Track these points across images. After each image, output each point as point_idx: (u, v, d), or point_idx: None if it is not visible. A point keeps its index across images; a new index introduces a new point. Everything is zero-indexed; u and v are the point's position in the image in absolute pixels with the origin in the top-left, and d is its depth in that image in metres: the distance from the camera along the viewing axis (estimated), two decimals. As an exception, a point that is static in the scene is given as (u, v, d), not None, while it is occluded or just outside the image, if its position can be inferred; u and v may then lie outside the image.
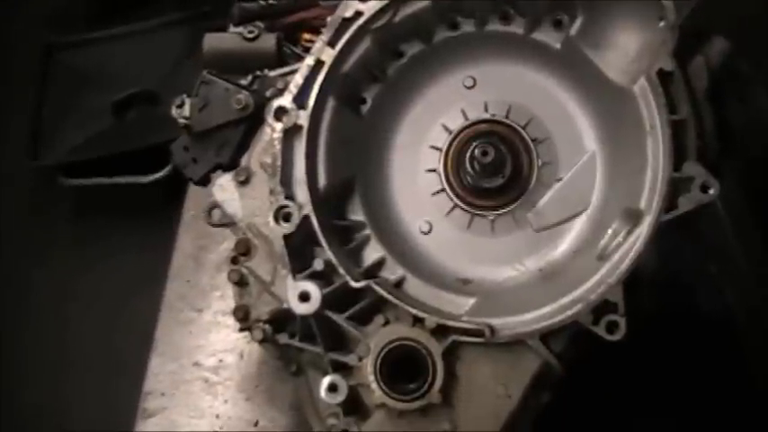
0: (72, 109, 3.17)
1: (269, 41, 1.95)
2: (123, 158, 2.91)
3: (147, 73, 3.20)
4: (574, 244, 1.48)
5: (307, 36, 2.08)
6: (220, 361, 1.92)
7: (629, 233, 1.35)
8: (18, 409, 2.67)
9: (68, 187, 3.00)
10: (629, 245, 1.33)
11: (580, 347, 1.36)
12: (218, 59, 1.94)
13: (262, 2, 2.24)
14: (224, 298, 1.96)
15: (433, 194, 1.55)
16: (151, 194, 2.86)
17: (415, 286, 1.46)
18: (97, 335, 2.70)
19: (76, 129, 3.10)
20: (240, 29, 2.01)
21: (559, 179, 1.51)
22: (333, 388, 1.34)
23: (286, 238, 1.38)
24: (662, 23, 1.36)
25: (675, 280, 1.48)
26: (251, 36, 1.94)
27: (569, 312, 1.31)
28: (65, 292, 2.85)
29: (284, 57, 1.98)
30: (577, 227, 1.49)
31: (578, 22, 1.45)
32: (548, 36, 1.51)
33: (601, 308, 1.31)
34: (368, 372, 1.33)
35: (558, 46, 1.50)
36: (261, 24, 2.05)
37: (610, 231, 1.39)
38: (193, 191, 2.10)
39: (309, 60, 1.45)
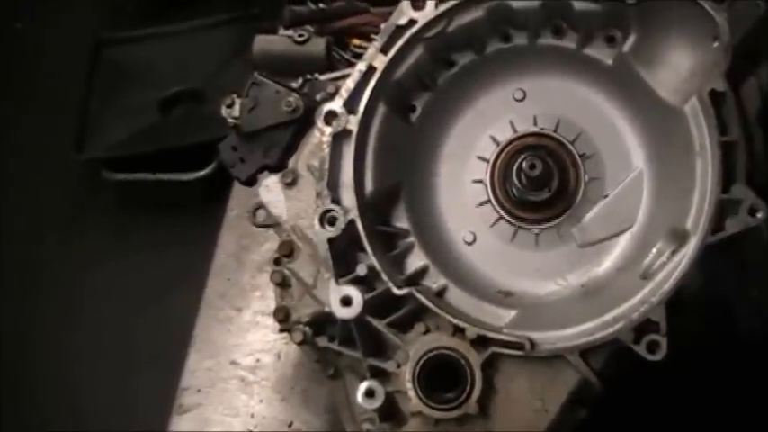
0: (118, 105, 3.21)
1: (319, 45, 1.98)
2: (167, 155, 2.94)
3: (194, 71, 3.23)
4: (618, 261, 1.48)
5: (356, 42, 2.10)
6: (257, 360, 1.94)
7: (674, 253, 1.34)
8: (54, 403, 2.70)
9: (112, 181, 3.03)
10: (673, 265, 1.33)
11: (620, 365, 1.36)
12: (268, 61, 1.97)
13: (312, 5, 2.26)
14: (264, 298, 1.97)
15: (479, 205, 1.56)
16: (194, 192, 2.89)
17: (456, 296, 1.46)
18: (137, 329, 2.72)
19: (122, 124, 3.14)
20: (290, 32, 2.04)
21: (606, 196, 1.51)
22: (370, 393, 1.35)
23: (330, 241, 1.39)
24: (716, 43, 1.36)
25: (718, 301, 1.46)
26: (301, 39, 1.98)
27: (610, 330, 1.31)
28: (106, 286, 2.89)
29: (333, 61, 2.01)
30: (622, 244, 1.49)
31: (631, 40, 1.46)
32: (600, 52, 1.51)
33: (642, 327, 1.30)
34: (406, 379, 1.34)
35: (609, 62, 1.50)
36: (311, 28, 2.08)
37: (654, 250, 1.39)
38: (238, 190, 2.12)
39: (361, 66, 1.46)
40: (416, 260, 1.49)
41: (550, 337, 1.35)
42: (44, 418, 2.67)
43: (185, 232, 2.79)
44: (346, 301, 1.35)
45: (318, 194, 1.43)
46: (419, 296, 1.37)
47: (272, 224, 1.59)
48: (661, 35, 1.43)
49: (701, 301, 1.40)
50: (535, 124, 1.56)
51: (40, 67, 3.52)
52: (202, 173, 2.89)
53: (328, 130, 1.44)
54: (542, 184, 1.51)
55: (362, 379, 1.38)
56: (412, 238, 1.50)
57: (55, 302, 2.90)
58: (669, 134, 1.43)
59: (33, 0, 3.68)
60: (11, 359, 2.79)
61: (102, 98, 3.23)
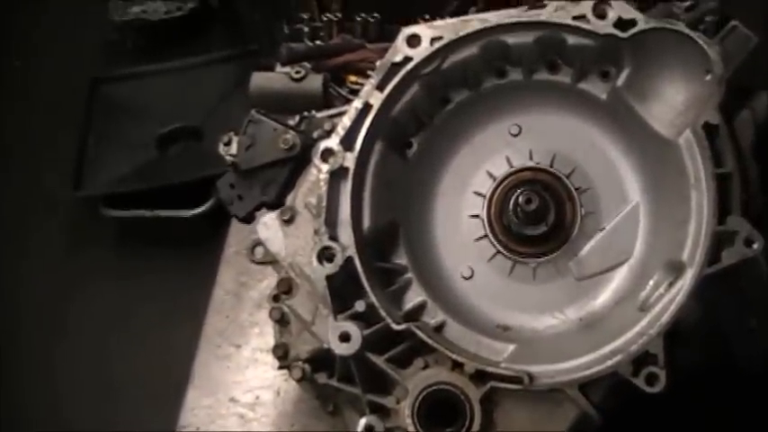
0: (116, 141, 3.23)
1: (316, 82, 2.00)
2: (166, 192, 2.95)
3: (192, 108, 3.25)
4: (615, 294, 1.49)
5: (352, 78, 2.12)
6: (257, 398, 1.94)
7: (671, 285, 1.36)
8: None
9: (110, 218, 3.04)
10: (670, 297, 1.34)
11: (619, 398, 1.37)
12: (265, 98, 1.99)
13: (309, 42, 2.28)
14: (263, 335, 1.98)
15: (476, 240, 1.57)
16: (192, 229, 2.90)
17: (455, 331, 1.47)
18: (136, 366, 2.72)
19: (120, 161, 3.15)
20: (287, 69, 2.06)
21: (602, 229, 1.53)
22: (369, 429, 1.36)
23: (329, 278, 1.40)
24: (709, 77, 1.38)
25: (716, 333, 1.47)
26: (298, 76, 1.99)
27: (609, 363, 1.32)
28: (105, 322, 2.88)
29: (330, 98, 2.02)
30: (619, 277, 1.50)
31: (625, 74, 1.47)
32: (594, 86, 1.53)
33: (641, 359, 1.31)
34: (405, 414, 1.34)
35: (604, 96, 1.52)
36: (308, 65, 2.09)
37: (651, 282, 1.40)
38: (236, 227, 2.13)
39: (357, 103, 1.48)
40: (415, 296, 1.50)
41: (549, 371, 1.36)
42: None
43: (184, 269, 2.79)
44: (345, 338, 1.36)
45: (316, 231, 1.44)
46: (418, 332, 1.38)
47: (271, 261, 1.60)
48: (654, 69, 1.46)
49: (700, 333, 1.41)
50: (531, 159, 1.58)
51: (38, 104, 3.54)
52: (200, 210, 2.90)
53: (325, 167, 1.45)
54: (539, 219, 1.52)
55: (362, 415, 1.39)
56: (410, 274, 1.51)
57: (53, 340, 2.90)
58: (664, 167, 1.45)
59: (31, 37, 3.71)
60: (8, 399, 2.79)
61: (100, 135, 3.25)
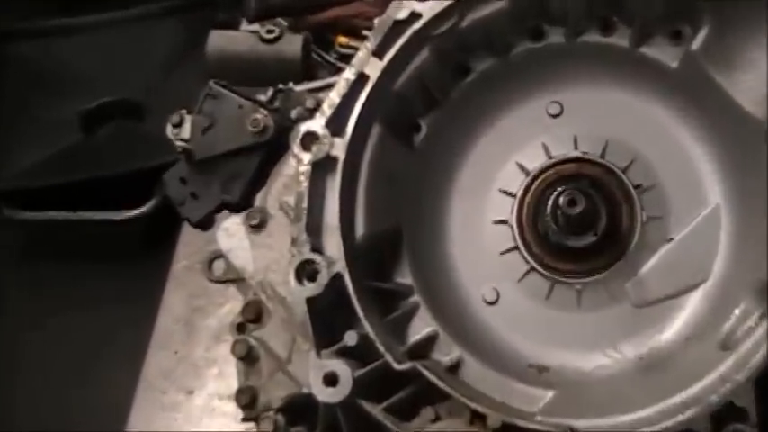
0: (25, 119, 3.22)
1: (293, 45, 2.00)
2: (92, 187, 2.94)
3: (128, 77, 3.24)
4: (687, 327, 1.51)
5: (342, 40, 2.14)
6: (214, 460, 1.96)
7: (764, 316, 1.36)
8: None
9: (17, 222, 3.03)
10: (762, 331, 1.34)
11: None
12: (227, 65, 1.99)
13: (285, -8, 2.29)
14: (222, 376, 1.99)
15: (503, 253, 1.59)
16: (128, 236, 2.90)
17: (474, 372, 1.49)
18: (49, 417, 2.72)
19: (30, 146, 3.14)
20: (256, 26, 2.06)
21: (670, 239, 1.54)
22: (362, 501, 1.38)
23: (310, 301, 1.40)
24: (813, 41, 1.40)
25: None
26: (270, 37, 1.99)
27: (680, 418, 1.31)
28: (7, 359, 2.87)
29: (312, 66, 2.03)
30: (692, 304, 1.52)
31: (703, 35, 1.49)
32: (661, 51, 1.55)
33: (723, 413, 1.31)
34: (409, 482, 1.36)
35: (674, 64, 1.54)
36: (283, 22, 2.10)
37: (737, 312, 1.41)
38: (188, 235, 2.14)
39: (349, 74, 1.49)
40: (423, 326, 1.52)
41: (599, 427, 1.36)
42: None
43: (118, 290, 2.79)
44: (331, 380, 1.36)
45: (294, 241, 1.44)
46: (426, 372, 1.38)
47: (234, 279, 1.61)
48: (743, 29, 1.47)
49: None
50: (575, 147, 1.61)
51: None
52: (140, 211, 2.91)
53: (307, 157, 1.46)
54: (585, 226, 1.54)
55: (353, 482, 1.41)
56: (416, 297, 1.53)
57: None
58: (754, 159, 1.47)
59: None
60: None
61: (6, 110, 3.24)
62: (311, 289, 1.40)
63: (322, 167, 1.46)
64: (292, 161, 1.52)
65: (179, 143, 1.65)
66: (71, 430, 2.61)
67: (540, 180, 1.60)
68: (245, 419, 1.57)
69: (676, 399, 1.35)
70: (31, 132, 3.17)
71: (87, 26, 3.41)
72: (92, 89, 3.22)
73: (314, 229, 1.45)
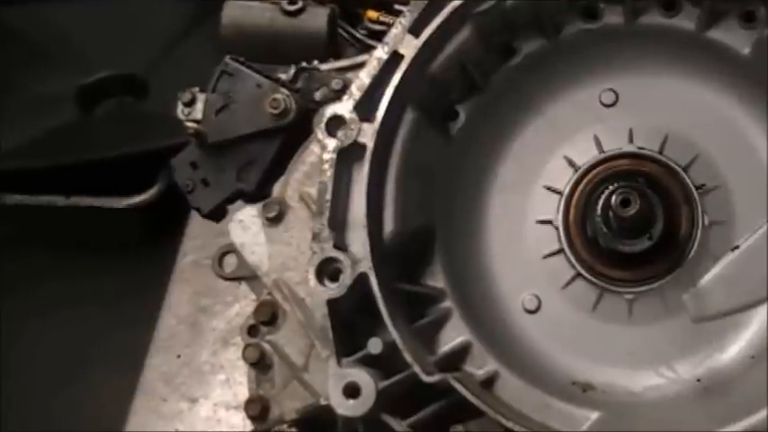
0: (15, 94, 3.24)
1: (318, 19, 2.00)
2: (89, 170, 2.96)
3: (130, 50, 3.26)
4: (751, 346, 1.49)
5: (373, 14, 2.13)
6: (218, 474, 1.96)
7: (835, 336, 1.36)
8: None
9: (6, 207, 3.04)
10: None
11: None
12: (244, 40, 2.00)
13: (309, -40, 2.29)
14: (229, 384, 1.99)
15: (546, 257, 1.58)
16: (128, 226, 2.91)
17: (511, 388, 1.48)
18: (40, 422, 2.73)
19: (21, 123, 3.16)
20: (277, -3, 2.06)
21: (735, 248, 1.52)
22: None
23: (331, 304, 1.40)
24: None
25: None
26: (293, 9, 1.99)
27: None
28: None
29: (339, 43, 2.03)
30: (758, 321, 1.50)
31: (780, 17, 1.48)
32: (731, 35, 1.54)
33: None
34: (437, 506, 1.36)
35: (746, 51, 1.53)
36: (307, -8, 2.10)
37: (810, 331, 1.41)
38: (196, 226, 2.14)
39: (381, 52, 1.49)
40: (455, 334, 1.51)
41: (650, 454, 1.36)
42: None
43: (115, 285, 2.80)
44: (352, 391, 1.36)
45: (315, 236, 1.44)
46: (457, 386, 1.37)
47: (246, 276, 1.61)
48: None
49: None
50: (631, 141, 1.59)
51: None
52: (141, 198, 2.92)
53: (332, 143, 1.45)
54: (640, 229, 1.53)
55: (373, 504, 1.40)
56: (449, 303, 1.53)
57: None
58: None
59: None
60: None
61: (-7, 83, 3.26)
62: (333, 290, 1.40)
63: (348, 156, 1.46)
64: (315, 148, 1.53)
65: (190, 124, 1.64)
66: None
67: (590, 177, 1.60)
68: (255, 432, 1.57)
69: (738, 427, 1.33)
70: (22, 108, 3.19)
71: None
72: (90, 62, 3.25)
73: (338, 224, 1.44)
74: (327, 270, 1.41)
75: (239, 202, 1.63)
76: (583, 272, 1.57)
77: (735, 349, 1.51)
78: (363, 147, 1.46)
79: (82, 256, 3.00)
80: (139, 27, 3.28)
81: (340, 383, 1.36)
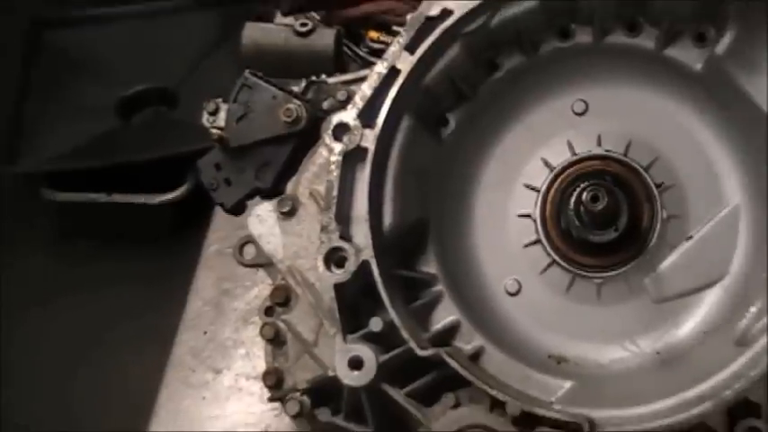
0: (64, 105, 3.25)
1: (326, 38, 2.01)
2: (127, 171, 2.96)
3: (163, 66, 3.27)
4: (703, 323, 1.50)
5: (374, 34, 2.14)
6: (239, 437, 1.96)
7: (780, 314, 1.35)
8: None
9: (54, 203, 3.05)
10: (778, 329, 1.34)
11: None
12: (261, 57, 2.00)
13: (319, -13, 2.29)
14: (249, 357, 1.99)
15: (526, 246, 1.58)
16: (161, 220, 2.92)
17: (495, 361, 1.48)
18: (81, 395, 2.73)
19: (69, 130, 3.17)
20: (290, 20, 2.07)
21: (689, 237, 1.53)
22: (383, 482, 1.38)
23: (338, 288, 1.41)
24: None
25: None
26: (304, 30, 2.00)
27: (695, 411, 1.31)
28: (40, 337, 2.89)
29: (344, 60, 2.03)
30: (710, 301, 1.51)
31: (728, 38, 1.48)
32: (686, 53, 1.54)
33: (738, 409, 1.30)
34: (429, 465, 1.36)
35: (698, 67, 1.53)
36: (316, 16, 2.11)
37: (753, 310, 1.41)
38: (220, 220, 2.14)
39: (381, 67, 1.49)
40: (446, 314, 1.51)
41: (615, 418, 1.36)
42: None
43: (149, 271, 2.81)
44: (356, 364, 1.37)
45: (324, 228, 1.44)
46: (448, 359, 1.38)
47: (263, 264, 1.62)
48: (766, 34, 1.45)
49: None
50: (599, 145, 1.59)
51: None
52: (173, 195, 2.93)
53: (338, 147, 1.46)
54: (607, 222, 1.53)
55: (374, 464, 1.40)
56: (440, 287, 1.53)
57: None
58: (774, 161, 1.45)
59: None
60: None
61: (44, 95, 3.27)
62: (339, 275, 1.41)
63: (352, 158, 1.46)
64: (323, 151, 1.53)
65: (214, 131, 1.65)
66: (98, 404, 2.63)
67: (563, 176, 1.60)
68: (271, 400, 1.58)
69: (691, 393, 1.34)
70: (70, 117, 3.21)
71: (124, 16, 3.44)
72: (128, 78, 3.27)
73: (343, 218, 1.45)
74: (334, 258, 1.41)
75: (257, 199, 1.64)
76: (557, 259, 1.57)
77: (689, 326, 1.51)
78: (365, 150, 1.46)
79: (120, 246, 3.01)
80: (171, 47, 3.30)
81: (345, 357, 1.37)
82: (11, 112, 3.18)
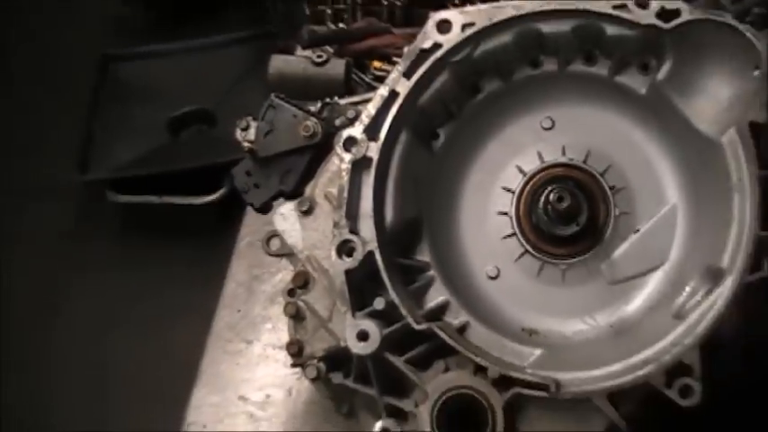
0: (125, 123, 3.27)
1: (338, 67, 2.01)
2: (176, 177, 2.97)
3: (205, 91, 3.29)
4: (649, 300, 1.49)
5: (377, 64, 2.14)
6: (267, 396, 1.95)
7: (709, 292, 1.34)
8: None
9: (117, 204, 3.07)
10: (708, 305, 1.33)
11: (650, 411, 1.36)
12: (284, 83, 2.00)
13: (332, 25, 2.29)
14: (275, 331, 1.99)
15: (503, 238, 1.57)
16: (202, 217, 2.93)
17: (478, 333, 1.47)
18: (139, 360, 2.74)
19: (129, 144, 3.19)
20: (308, 52, 2.07)
21: (637, 230, 1.52)
22: (386, 434, 1.37)
23: (347, 273, 1.40)
24: (756, 72, 1.37)
25: (757, 343, 1.47)
26: (320, 61, 2.01)
27: (640, 372, 1.31)
28: (109, 313, 2.91)
29: (353, 85, 2.03)
30: (653, 282, 1.50)
31: (666, 67, 1.46)
32: (633, 80, 1.52)
33: (675, 370, 1.30)
34: (424, 419, 1.34)
35: (643, 91, 1.52)
36: (330, 49, 2.11)
37: (688, 289, 1.40)
38: (250, 217, 2.14)
39: (383, 91, 1.48)
40: (437, 294, 1.50)
41: (577, 379, 1.35)
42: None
43: (193, 259, 2.82)
44: (363, 336, 1.36)
45: (336, 224, 1.44)
46: (439, 332, 1.37)
47: (287, 254, 1.61)
48: (698, 63, 1.44)
49: (739, 345, 1.40)
50: (564, 154, 1.58)
51: (44, 83, 3.57)
52: (213, 197, 2.94)
53: (348, 156, 1.45)
54: (570, 218, 1.52)
55: (378, 418, 1.39)
56: (433, 272, 1.51)
57: (55, 329, 2.92)
58: (705, 167, 1.44)
59: (40, 14, 3.74)
60: (9, 388, 2.81)
61: (109, 117, 3.29)
62: (348, 263, 1.40)
63: (360, 166, 1.45)
64: (336, 160, 1.52)
65: (245, 144, 1.65)
66: (150, 368, 2.65)
67: (534, 180, 1.58)
68: (293, 366, 1.57)
69: (638, 358, 1.34)
70: (129, 134, 3.24)
71: (174, 51, 3.46)
72: (176, 100, 3.28)
73: (352, 216, 1.44)
74: (345, 249, 1.40)
75: (281, 200, 1.63)
76: (530, 249, 1.56)
77: (637, 303, 1.50)
78: (370, 159, 1.45)
79: (169, 239, 3.02)
80: (211, 75, 3.32)
81: (354, 330, 1.37)
82: (83, 131, 3.19)
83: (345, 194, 1.44)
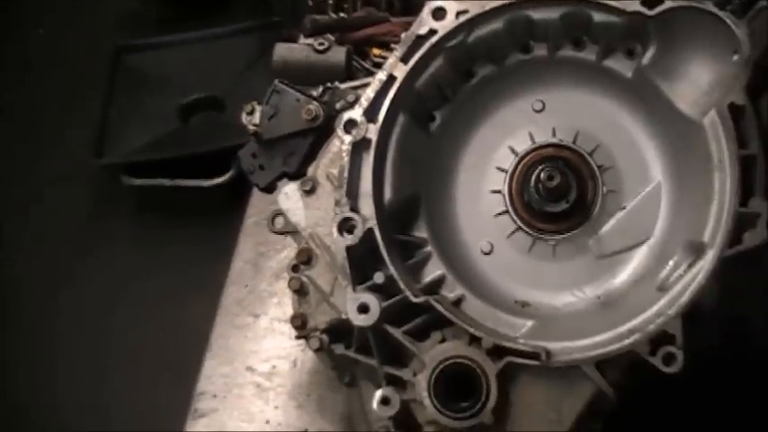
0: (138, 111, 3.27)
1: (339, 54, 2.01)
2: (186, 161, 2.98)
3: (214, 79, 3.28)
4: (634, 273, 1.48)
5: (376, 51, 2.14)
6: (274, 367, 1.95)
7: (691, 266, 1.34)
8: (62, 408, 2.73)
9: (131, 187, 3.08)
10: (690, 277, 1.33)
11: (635, 377, 1.37)
12: (288, 69, 2.00)
13: (333, 15, 2.29)
14: (281, 305, 1.99)
15: (496, 216, 1.56)
16: (212, 198, 2.93)
17: (473, 306, 1.47)
18: (153, 334, 2.76)
19: (142, 130, 3.19)
20: (311, 40, 2.07)
21: (623, 208, 1.52)
22: (385, 401, 1.37)
23: (348, 249, 1.40)
24: (736, 57, 1.36)
25: (736, 315, 1.47)
26: (322, 48, 2.00)
27: (626, 341, 1.32)
28: (123, 290, 2.91)
29: (353, 70, 2.03)
30: (639, 256, 1.49)
31: (651, 52, 1.46)
32: (619, 64, 1.52)
33: (658, 339, 1.31)
34: (421, 387, 1.35)
35: (629, 74, 1.51)
36: (331, 37, 2.11)
37: (671, 263, 1.39)
38: (256, 197, 2.14)
39: (381, 75, 1.47)
40: (434, 269, 1.49)
41: (566, 348, 1.35)
42: (62, 421, 2.70)
43: (203, 238, 2.82)
44: (363, 309, 1.36)
45: (337, 202, 1.43)
46: (436, 305, 1.38)
47: (291, 231, 1.60)
48: (681, 48, 1.44)
49: (719, 315, 1.40)
50: (554, 135, 1.57)
51: (60, 73, 3.58)
52: (221, 179, 2.93)
53: (348, 138, 1.44)
54: (560, 196, 1.51)
55: (378, 386, 1.40)
56: (429, 248, 1.51)
57: (71, 307, 2.93)
58: (688, 147, 1.44)
59: (55, 7, 3.74)
60: (29, 362, 2.82)
61: (123, 104, 3.28)
62: (349, 240, 1.40)
63: (359, 147, 1.45)
64: (337, 141, 1.51)
65: (251, 127, 1.64)
66: (163, 339, 2.66)
67: (526, 160, 1.57)
68: (298, 338, 1.57)
69: (624, 328, 1.34)
70: (142, 120, 3.24)
71: (184, 41, 3.45)
72: (187, 88, 3.28)
73: (352, 194, 1.43)
74: (346, 226, 1.40)
75: (285, 180, 1.63)
76: (522, 226, 1.55)
77: (623, 276, 1.49)
78: (369, 141, 1.45)
79: (181, 219, 3.03)
80: (219, 64, 3.30)
81: (355, 303, 1.37)
82: (98, 118, 3.19)
83: (346, 174, 1.44)
